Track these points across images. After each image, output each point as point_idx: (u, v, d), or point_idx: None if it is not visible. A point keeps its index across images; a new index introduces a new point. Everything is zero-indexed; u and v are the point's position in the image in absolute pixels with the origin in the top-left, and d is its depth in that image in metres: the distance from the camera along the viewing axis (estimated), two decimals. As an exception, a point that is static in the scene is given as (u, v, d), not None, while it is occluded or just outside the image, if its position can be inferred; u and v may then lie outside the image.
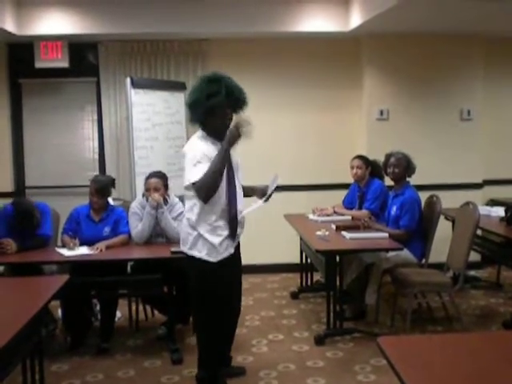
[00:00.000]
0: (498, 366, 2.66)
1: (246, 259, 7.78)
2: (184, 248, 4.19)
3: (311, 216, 6.69)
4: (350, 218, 6.47)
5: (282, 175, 7.74)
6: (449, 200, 6.56)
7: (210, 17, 7.23)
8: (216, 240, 4.08)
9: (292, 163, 7.90)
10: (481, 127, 7.77)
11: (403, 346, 2.95)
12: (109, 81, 7.65)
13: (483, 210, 6.52)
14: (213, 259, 4.09)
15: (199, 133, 4.20)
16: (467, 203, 5.74)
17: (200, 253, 4.08)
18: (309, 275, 7.04)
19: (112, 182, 5.71)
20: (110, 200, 5.86)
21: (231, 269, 4.25)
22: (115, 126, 7.65)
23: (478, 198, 7.42)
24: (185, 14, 7.17)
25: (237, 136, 4.11)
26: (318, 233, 5.64)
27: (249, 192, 4.70)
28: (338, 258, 5.54)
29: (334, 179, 7.76)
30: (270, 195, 4.57)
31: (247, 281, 7.56)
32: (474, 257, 7.41)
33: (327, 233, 5.64)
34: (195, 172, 3.95)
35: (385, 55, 7.68)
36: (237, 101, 4.26)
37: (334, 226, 5.96)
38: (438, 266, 5.86)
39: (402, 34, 7.42)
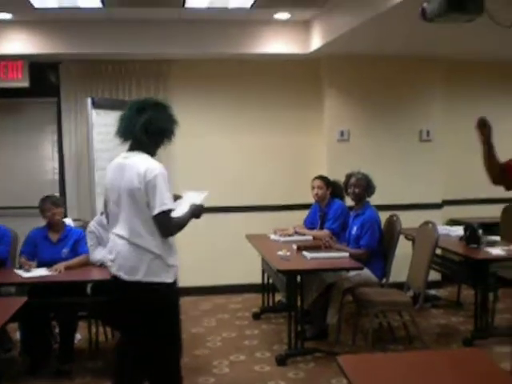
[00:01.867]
0: (458, 382, 2.68)
1: (209, 280, 7.85)
2: (135, 277, 3.77)
3: (273, 236, 6.70)
4: (311, 238, 6.50)
5: (244, 196, 7.85)
6: (409, 220, 6.63)
7: (171, 38, 7.24)
8: (173, 260, 3.92)
9: (253, 184, 7.91)
10: (440, 148, 7.88)
11: (363, 365, 2.95)
12: (69, 101, 7.60)
13: (443, 229, 6.61)
14: (170, 280, 3.88)
15: (145, 155, 3.92)
16: (426, 223, 5.81)
17: (159, 277, 3.79)
18: (271, 296, 7.03)
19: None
20: (70, 221, 5.81)
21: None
22: (75, 147, 7.59)
23: (437, 217, 7.50)
24: (146, 35, 7.17)
25: (198, 216, 4.07)
26: (279, 253, 5.66)
27: None
28: (299, 278, 5.55)
29: (295, 200, 7.79)
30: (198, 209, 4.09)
31: (210, 302, 7.56)
32: (435, 276, 7.49)
33: (288, 253, 5.66)
34: (170, 198, 3.78)
35: (345, 77, 7.76)
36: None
37: (295, 246, 5.97)
38: (399, 286, 5.90)
39: (361, 56, 7.51)
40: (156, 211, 3.68)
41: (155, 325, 3.79)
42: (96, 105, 6.81)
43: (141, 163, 3.81)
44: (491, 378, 2.76)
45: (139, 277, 3.74)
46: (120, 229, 3.80)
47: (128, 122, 3.85)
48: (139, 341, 3.86)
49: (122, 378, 4.02)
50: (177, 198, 4.18)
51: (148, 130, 3.86)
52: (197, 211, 4.00)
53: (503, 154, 4.29)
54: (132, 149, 3.91)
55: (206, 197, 4.16)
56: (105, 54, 7.31)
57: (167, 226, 3.75)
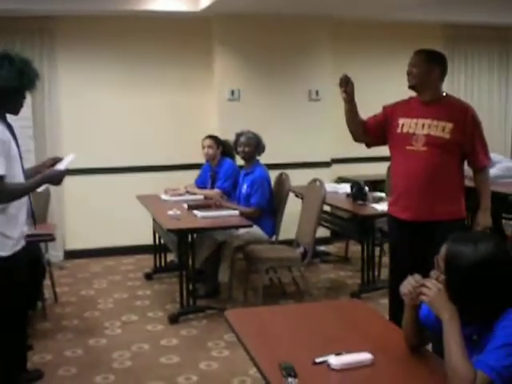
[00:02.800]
0: (341, 331, 2.78)
1: (100, 242, 7.75)
2: None
3: (163, 196, 6.66)
4: (202, 197, 6.51)
5: (134, 156, 7.75)
6: (298, 178, 6.75)
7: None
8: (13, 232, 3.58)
9: (144, 144, 7.80)
10: (328, 107, 7.98)
11: (250, 319, 3.02)
12: None
13: (330, 187, 6.75)
14: (6, 253, 3.55)
15: None
16: (314, 180, 5.93)
17: None
18: (163, 256, 7.02)
19: None
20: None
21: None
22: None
23: (326, 175, 7.63)
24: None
25: (56, 183, 3.76)
26: (170, 212, 5.65)
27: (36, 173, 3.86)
28: (190, 237, 5.57)
29: (186, 159, 7.75)
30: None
31: (101, 264, 7.46)
32: (324, 232, 7.69)
33: (179, 212, 5.65)
34: (1, 162, 3.43)
35: (236, 36, 7.71)
36: (34, 85, 3.71)
37: (185, 206, 5.97)
38: (289, 243, 6.03)
39: (252, 15, 7.48)
40: None
41: None
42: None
43: None
44: (372, 325, 2.87)
45: None
46: None
47: None
48: None
49: None
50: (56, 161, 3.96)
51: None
52: (54, 178, 3.72)
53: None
54: None
55: (72, 161, 3.87)
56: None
57: None
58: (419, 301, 2.37)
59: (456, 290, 2.25)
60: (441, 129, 4.09)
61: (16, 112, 3.69)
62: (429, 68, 4.16)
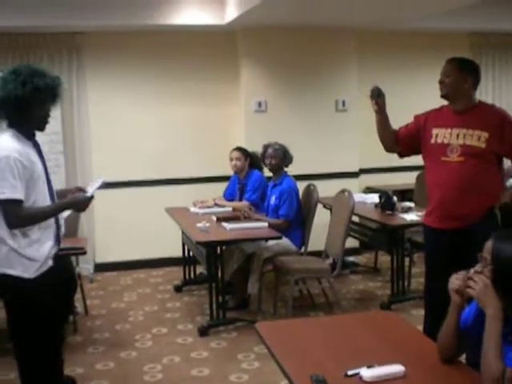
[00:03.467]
0: (372, 343, 2.76)
1: (130, 255, 7.79)
2: None
3: (192, 209, 6.69)
4: (230, 209, 6.52)
5: (163, 169, 7.80)
6: (326, 189, 6.74)
7: (84, 9, 7.03)
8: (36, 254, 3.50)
9: (172, 157, 7.85)
10: (356, 118, 7.98)
11: (281, 331, 3.01)
12: (-22, 76, 7.34)
13: (358, 197, 6.73)
14: (29, 275, 3.47)
15: (10, 131, 3.49)
16: (342, 191, 5.91)
17: (15, 270, 3.43)
18: (192, 268, 7.04)
19: None
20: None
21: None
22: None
23: (354, 186, 7.63)
24: (56, 6, 6.95)
25: (80, 209, 3.72)
26: (199, 225, 5.66)
27: (61, 196, 3.84)
28: (219, 249, 5.58)
29: (214, 172, 7.78)
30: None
31: (131, 276, 7.51)
32: (353, 243, 7.66)
33: (208, 224, 5.66)
34: (14, 186, 3.34)
35: (261, 48, 7.74)
36: (58, 97, 3.60)
37: (214, 218, 5.99)
38: (318, 254, 6.02)
39: (277, 27, 7.50)
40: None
41: (12, 318, 3.59)
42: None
43: None
44: (404, 336, 2.86)
45: None
46: None
47: None
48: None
49: None
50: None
51: (4, 99, 3.43)
52: (78, 204, 3.67)
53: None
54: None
55: (101, 186, 3.80)
56: (13, 27, 7.06)
57: (10, 217, 3.38)
58: (467, 296, 2.39)
59: (501, 285, 2.27)
60: (476, 138, 4.05)
61: (38, 127, 3.58)
62: (461, 77, 4.13)
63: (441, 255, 4.24)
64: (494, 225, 4.04)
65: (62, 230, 3.75)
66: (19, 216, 3.39)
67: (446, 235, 4.17)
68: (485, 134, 4.04)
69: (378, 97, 4.23)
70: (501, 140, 4.07)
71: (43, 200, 3.53)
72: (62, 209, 3.63)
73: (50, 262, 3.59)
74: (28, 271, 3.45)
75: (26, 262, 3.44)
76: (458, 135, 4.11)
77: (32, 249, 3.47)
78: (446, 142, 4.15)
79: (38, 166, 3.52)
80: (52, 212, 3.56)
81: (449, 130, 4.15)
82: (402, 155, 4.56)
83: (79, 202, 3.66)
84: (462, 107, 4.16)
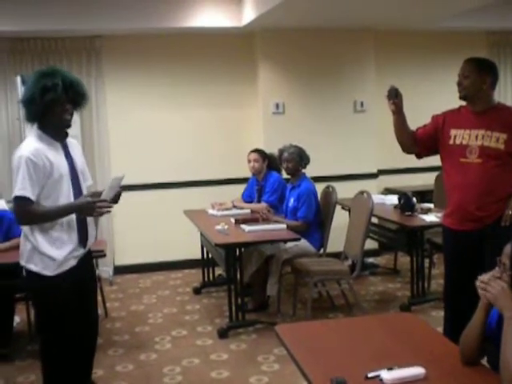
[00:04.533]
0: (391, 345, 2.75)
1: (148, 257, 7.82)
2: (21, 261, 3.67)
3: (211, 211, 6.70)
4: (249, 211, 6.52)
5: (181, 171, 7.82)
6: (345, 190, 6.72)
7: (102, 13, 7.09)
8: (56, 253, 3.59)
9: (189, 159, 7.88)
10: (374, 118, 7.96)
11: (301, 333, 3.01)
12: (-1, 79, 7.42)
13: (377, 198, 6.70)
14: (49, 273, 3.58)
15: (35, 132, 3.62)
16: (361, 192, 5.89)
17: (36, 266, 3.57)
18: (211, 270, 7.05)
19: None
20: (3, 202, 5.70)
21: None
22: (6, 126, 7.42)
23: (373, 187, 7.61)
24: (76, 10, 6.99)
25: (87, 214, 3.70)
26: (218, 227, 5.66)
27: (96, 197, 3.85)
28: (238, 252, 5.58)
29: (232, 174, 7.80)
30: (117, 195, 3.77)
31: (150, 279, 7.54)
32: (372, 244, 7.64)
33: (226, 226, 5.67)
34: (23, 184, 3.45)
35: (279, 49, 7.75)
36: (76, 95, 3.65)
37: (233, 220, 6.00)
38: (337, 255, 6.00)
39: (294, 29, 7.50)
40: (12, 195, 3.49)
41: (38, 315, 3.76)
42: (25, 83, 6.65)
43: (23, 143, 3.66)
44: (424, 338, 2.84)
45: (23, 262, 3.63)
46: None
47: None
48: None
49: None
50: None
51: (22, 105, 3.63)
52: (83, 209, 3.63)
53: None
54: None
55: (118, 182, 3.77)
56: (33, 32, 7.11)
57: (17, 213, 3.55)
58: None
59: None
60: (495, 139, 4.02)
61: (61, 125, 3.63)
62: (480, 78, 4.09)
63: (460, 256, 4.21)
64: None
65: (91, 231, 3.81)
66: (25, 213, 3.51)
67: (466, 236, 4.14)
68: (503, 136, 4.01)
69: (395, 97, 4.21)
70: None
71: (67, 200, 3.62)
72: (67, 212, 3.63)
73: (73, 262, 3.66)
74: (48, 269, 3.56)
75: (46, 260, 3.55)
76: (476, 136, 4.08)
77: (52, 248, 3.56)
78: (464, 143, 4.12)
79: (61, 166, 3.60)
80: (59, 213, 3.59)
81: (467, 131, 4.12)
82: (419, 156, 4.53)
83: (83, 207, 3.63)
84: (480, 108, 4.13)
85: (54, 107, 3.54)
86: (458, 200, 4.17)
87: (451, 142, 4.19)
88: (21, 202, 3.46)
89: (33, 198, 3.47)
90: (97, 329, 4.13)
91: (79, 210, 3.64)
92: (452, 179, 4.25)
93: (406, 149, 4.47)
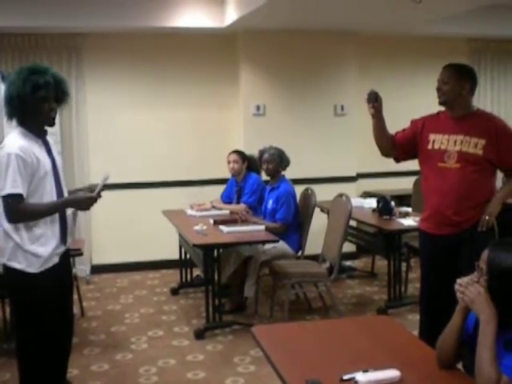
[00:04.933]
0: (368, 347, 2.76)
1: (126, 257, 7.79)
2: (2, 259, 3.61)
3: (189, 211, 6.68)
4: (228, 212, 6.51)
5: (160, 171, 7.80)
6: (324, 193, 6.74)
7: (84, 11, 7.02)
8: (41, 250, 3.57)
9: (169, 159, 7.85)
10: (354, 122, 7.98)
11: (277, 335, 3.01)
12: (-23, 75, 7.35)
13: (356, 201, 6.72)
14: (34, 270, 3.55)
15: (18, 129, 3.58)
16: (340, 195, 5.92)
17: (20, 264, 3.52)
18: (188, 271, 7.03)
19: None
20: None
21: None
22: (-15, 123, 7.36)
23: (352, 190, 7.62)
24: (57, 7, 6.93)
25: (82, 208, 3.75)
26: (196, 227, 5.65)
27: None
28: (216, 252, 5.58)
29: (211, 174, 7.79)
30: (99, 192, 3.70)
31: (127, 278, 7.50)
32: (350, 247, 7.67)
33: (205, 227, 5.66)
34: (14, 181, 3.41)
35: (261, 51, 7.74)
36: (63, 94, 3.67)
37: (211, 221, 5.99)
38: (315, 258, 6.01)
39: (277, 31, 7.51)
40: (3, 193, 3.44)
41: (17, 313, 3.69)
42: (5, 79, 6.60)
43: (4, 140, 3.59)
44: (400, 341, 2.85)
45: (4, 259, 3.57)
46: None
47: None
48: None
49: None
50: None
51: (5, 101, 3.56)
52: (80, 203, 3.69)
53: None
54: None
55: (105, 179, 3.73)
56: (13, 28, 7.05)
57: (9, 211, 3.45)
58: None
59: (497, 293, 2.33)
60: (473, 145, 4.03)
61: (45, 123, 3.63)
62: (459, 84, 4.10)
63: (437, 261, 4.23)
64: (489, 232, 4.06)
65: (70, 228, 3.79)
66: (18, 211, 3.46)
67: (443, 241, 4.17)
68: (482, 141, 4.03)
69: (374, 101, 4.22)
70: (497, 148, 4.04)
71: (50, 197, 3.59)
72: (64, 206, 3.66)
73: (56, 259, 3.65)
74: (33, 266, 3.53)
75: (30, 257, 3.52)
76: (455, 141, 4.09)
77: (36, 244, 3.54)
78: (443, 148, 4.14)
79: (46, 164, 3.59)
80: (53, 209, 3.59)
81: (446, 136, 4.14)
82: (398, 160, 4.54)
83: (81, 201, 3.68)
84: (459, 114, 4.15)
85: (42, 105, 3.53)
86: (436, 205, 4.19)
87: (430, 146, 4.21)
88: (13, 199, 3.42)
89: (24, 195, 3.45)
90: (72, 327, 4.09)
91: (76, 203, 3.69)
92: (430, 183, 4.27)
93: (385, 152, 4.48)
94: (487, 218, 4.05)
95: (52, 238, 3.61)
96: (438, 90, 4.18)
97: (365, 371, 2.37)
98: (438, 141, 4.17)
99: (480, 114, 4.24)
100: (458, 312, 2.48)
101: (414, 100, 8.05)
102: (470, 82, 4.16)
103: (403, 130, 4.44)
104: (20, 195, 3.42)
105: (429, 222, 4.28)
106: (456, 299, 2.47)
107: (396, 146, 4.41)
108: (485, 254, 2.41)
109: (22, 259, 3.51)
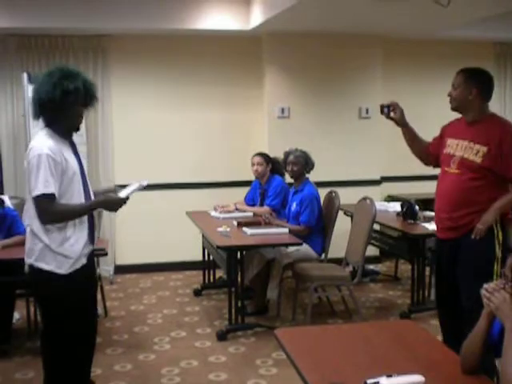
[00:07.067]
0: (391, 352, 2.75)
1: (149, 258, 7.82)
2: (29, 260, 3.61)
3: (213, 213, 6.71)
4: (251, 214, 6.52)
5: (184, 173, 7.82)
6: (348, 196, 6.74)
7: (111, 12, 7.09)
8: (70, 251, 3.58)
9: (194, 161, 7.88)
10: (379, 125, 7.93)
11: (300, 338, 3.01)
12: (5, 76, 7.40)
13: (380, 205, 6.70)
14: (63, 271, 3.56)
15: (45, 130, 3.59)
16: (364, 198, 5.89)
17: (48, 265, 3.53)
18: (211, 272, 7.05)
19: None
20: (6, 198, 5.71)
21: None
22: (12, 123, 7.43)
23: (376, 193, 7.60)
24: (84, 8, 6.99)
25: (111, 209, 3.76)
26: (220, 229, 5.67)
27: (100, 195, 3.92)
28: (239, 254, 5.59)
29: (235, 176, 7.81)
30: (128, 195, 3.78)
31: (150, 279, 7.54)
32: (373, 251, 7.64)
33: (228, 229, 5.67)
34: (46, 181, 3.43)
35: (286, 54, 7.75)
36: (91, 98, 3.67)
37: (235, 223, 6.00)
38: (338, 261, 6.00)
39: (302, 33, 7.51)
40: (32, 194, 3.45)
41: (45, 313, 3.71)
42: (32, 80, 6.66)
43: (32, 141, 3.59)
44: (423, 346, 2.84)
45: (31, 260, 3.56)
46: (25, 210, 3.67)
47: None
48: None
49: None
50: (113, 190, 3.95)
51: (33, 102, 3.56)
52: (110, 204, 3.72)
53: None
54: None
55: (138, 189, 3.85)
56: (41, 29, 7.13)
57: (43, 211, 3.47)
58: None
59: None
60: (475, 152, 3.96)
61: (72, 127, 3.66)
62: (466, 89, 4.03)
63: (441, 265, 4.27)
64: (487, 239, 3.99)
65: (97, 229, 3.81)
66: (51, 212, 3.48)
67: (445, 245, 4.18)
68: (484, 149, 3.94)
69: (387, 113, 4.22)
70: (498, 156, 3.92)
71: (78, 198, 3.61)
72: (94, 207, 3.68)
73: (84, 260, 3.66)
74: (62, 267, 3.54)
75: (60, 259, 3.53)
76: (461, 147, 4.05)
77: (66, 246, 3.55)
78: (451, 152, 4.10)
79: (73, 164, 3.60)
80: (84, 210, 3.62)
81: (456, 142, 4.10)
82: (435, 167, 4.47)
83: (111, 202, 3.71)
84: (471, 119, 4.08)
85: (70, 110, 3.55)
86: (436, 208, 4.23)
87: (445, 150, 4.18)
88: (46, 199, 3.43)
89: (57, 194, 3.47)
90: (96, 327, 4.11)
91: (105, 205, 3.71)
92: (437, 187, 4.27)
93: (423, 161, 4.47)
94: (481, 227, 3.96)
95: (81, 238, 3.63)
96: (449, 95, 4.13)
97: (388, 376, 2.36)
98: (450, 146, 4.15)
99: (492, 119, 4.10)
100: (484, 317, 2.47)
101: (439, 104, 7.98)
102: (477, 86, 4.04)
103: (434, 138, 4.41)
104: (53, 195, 3.43)
105: (436, 225, 4.31)
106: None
107: (430, 154, 4.38)
108: (510, 261, 2.40)
109: (51, 260, 3.52)
